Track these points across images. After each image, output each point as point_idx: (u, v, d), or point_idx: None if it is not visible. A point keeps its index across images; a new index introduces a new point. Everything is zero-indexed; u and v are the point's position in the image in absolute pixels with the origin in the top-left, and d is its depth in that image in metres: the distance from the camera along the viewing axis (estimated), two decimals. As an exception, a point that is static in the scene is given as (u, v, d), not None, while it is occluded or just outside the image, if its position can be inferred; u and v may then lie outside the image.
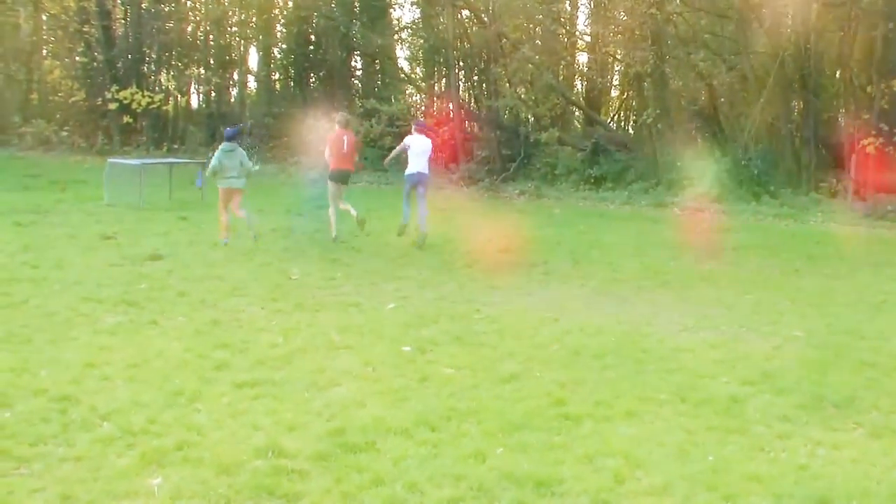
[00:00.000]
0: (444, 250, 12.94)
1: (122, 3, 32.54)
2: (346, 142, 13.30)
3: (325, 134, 13.91)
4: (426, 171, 13.47)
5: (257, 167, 13.86)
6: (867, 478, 5.05)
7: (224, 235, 12.59)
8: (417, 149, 13.40)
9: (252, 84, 34.02)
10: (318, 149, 13.88)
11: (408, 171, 13.43)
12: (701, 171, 21.41)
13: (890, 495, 4.84)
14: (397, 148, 13.98)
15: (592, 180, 23.77)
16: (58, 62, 34.29)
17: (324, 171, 13.62)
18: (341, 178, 13.44)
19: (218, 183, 12.64)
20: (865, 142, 21.17)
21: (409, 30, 32.14)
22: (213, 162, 12.60)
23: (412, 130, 13.82)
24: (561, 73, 29.96)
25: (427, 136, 13.88)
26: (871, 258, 13.97)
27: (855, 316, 9.47)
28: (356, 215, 13.29)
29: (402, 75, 31.67)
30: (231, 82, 33.78)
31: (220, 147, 12.74)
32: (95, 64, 31.29)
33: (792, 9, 22.07)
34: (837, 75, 25.08)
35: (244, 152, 12.96)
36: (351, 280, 10.45)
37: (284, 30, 32.09)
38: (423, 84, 31.88)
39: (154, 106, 28.07)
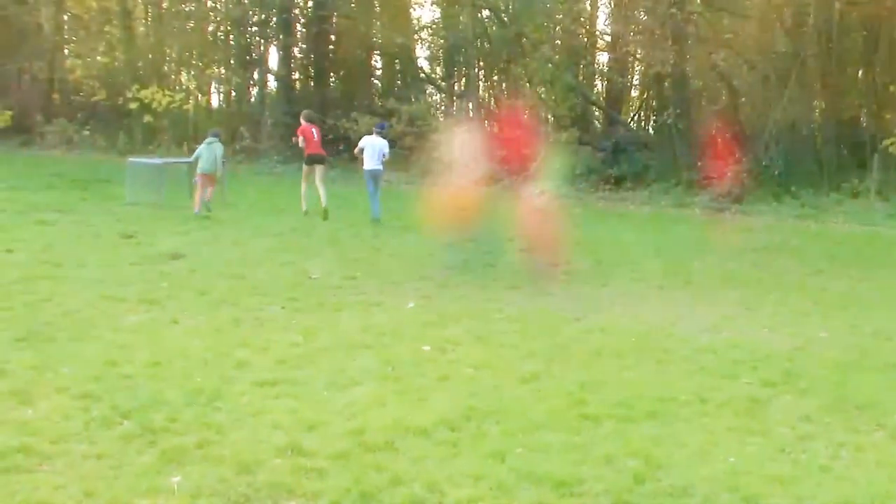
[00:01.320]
0: (465, 250, 12.92)
1: (144, 3, 32.73)
2: (315, 132, 16.25)
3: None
4: (380, 168, 15.88)
5: (225, 160, 17.14)
6: (891, 480, 4.99)
7: (198, 207, 15.31)
8: (372, 148, 15.76)
9: (272, 83, 34.13)
10: (295, 140, 16.78)
11: (364, 167, 15.81)
12: (558, 164, 21.79)
13: (914, 498, 4.79)
14: (357, 147, 16.17)
15: (613, 180, 23.70)
16: (79, 62, 34.51)
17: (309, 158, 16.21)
18: (315, 161, 16.10)
19: (198, 169, 15.57)
20: (888, 141, 21.03)
21: (429, 29, 32.19)
22: (196, 152, 15.91)
23: (373, 132, 16.48)
24: (581, 72, 29.92)
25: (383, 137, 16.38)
26: (895, 259, 13.84)
27: (879, 317, 9.38)
28: (324, 205, 15.62)
29: (422, 75, 31.68)
30: (251, 82, 33.88)
31: (205, 141, 16.06)
32: (117, 63, 31.45)
33: (814, 8, 21.92)
34: (860, 75, 24.90)
35: (221, 146, 16.13)
36: (371, 279, 10.45)
37: (304, 29, 32.16)
38: (443, 84, 31.89)
39: (175, 105, 28.21)
